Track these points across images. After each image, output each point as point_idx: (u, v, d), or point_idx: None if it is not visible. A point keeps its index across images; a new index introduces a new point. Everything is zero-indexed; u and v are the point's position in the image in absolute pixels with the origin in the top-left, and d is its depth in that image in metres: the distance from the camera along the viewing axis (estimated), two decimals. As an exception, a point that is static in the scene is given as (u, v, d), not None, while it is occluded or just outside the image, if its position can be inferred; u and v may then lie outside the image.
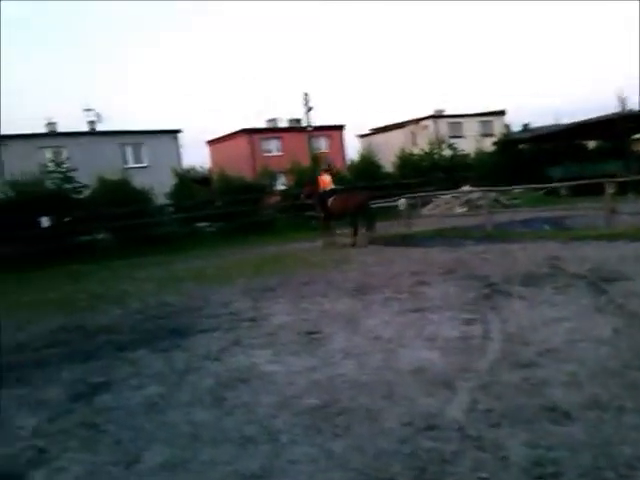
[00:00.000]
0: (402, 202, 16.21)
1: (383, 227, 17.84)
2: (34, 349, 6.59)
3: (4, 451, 3.71)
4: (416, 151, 27.31)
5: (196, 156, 46.67)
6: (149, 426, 3.84)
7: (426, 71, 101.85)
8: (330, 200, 15.71)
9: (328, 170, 17.68)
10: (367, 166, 24.00)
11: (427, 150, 27.11)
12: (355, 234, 14.94)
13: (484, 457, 2.96)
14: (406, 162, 25.95)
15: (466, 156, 27.06)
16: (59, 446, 3.67)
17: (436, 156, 26.43)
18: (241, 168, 29.75)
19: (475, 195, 21.56)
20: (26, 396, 4.84)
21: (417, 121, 45.61)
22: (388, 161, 26.84)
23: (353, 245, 14.61)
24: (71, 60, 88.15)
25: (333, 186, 16.33)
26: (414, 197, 18.87)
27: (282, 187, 24.96)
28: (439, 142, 26.89)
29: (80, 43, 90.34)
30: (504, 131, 37.27)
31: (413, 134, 44.21)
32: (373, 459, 3.02)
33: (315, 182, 16.46)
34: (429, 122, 45.58)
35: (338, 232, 15.91)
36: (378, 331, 5.77)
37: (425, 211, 21.64)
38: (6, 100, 73.49)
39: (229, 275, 11.10)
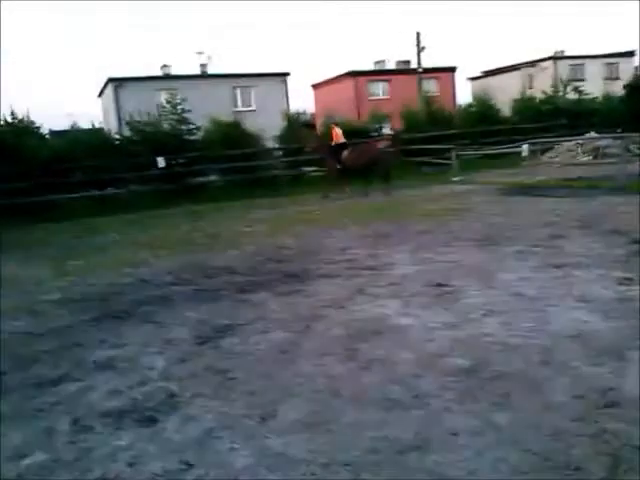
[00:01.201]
0: (525, 148, 15.01)
1: (502, 174, 16.80)
2: (157, 285, 6.64)
3: (136, 392, 3.62)
4: (537, 94, 25.22)
5: (301, 100, 46.34)
6: (281, 376, 3.61)
7: (542, 8, 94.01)
8: (345, 153, 15.54)
9: (338, 124, 17.34)
10: (484, 110, 22.49)
11: (550, 93, 24.98)
12: (367, 188, 15.07)
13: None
14: (526, 106, 24.07)
15: (593, 100, 24.67)
16: (189, 391, 3.53)
17: (560, 100, 24.29)
18: (346, 112, 29.09)
19: (603, 142, 19.69)
20: (153, 334, 4.81)
21: (535, 63, 42.32)
22: (502, 105, 25.07)
23: (366, 196, 14.62)
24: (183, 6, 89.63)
25: (344, 140, 16.10)
26: (535, 143, 17.47)
27: (390, 131, 24.08)
28: (565, 84, 24.60)
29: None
30: (633, 74, 33.68)
31: (530, 77, 41.16)
32: (552, 439, 2.57)
33: (321, 137, 16.54)
34: (548, 64, 42.14)
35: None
36: (518, 287, 5.21)
37: (545, 158, 20.09)
38: (123, 44, 76.48)
39: (341, 220, 10.79)
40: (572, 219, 8.72)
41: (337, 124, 17.18)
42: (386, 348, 3.93)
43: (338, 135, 16.16)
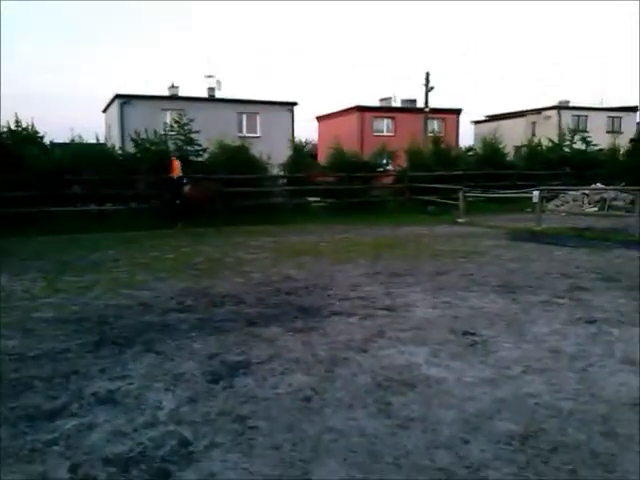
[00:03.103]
0: (536, 194, 14.79)
1: (508, 219, 16.60)
2: (161, 311, 6.23)
3: (145, 434, 3.20)
4: (544, 142, 25.25)
5: (303, 130, 46.37)
6: (310, 430, 3.20)
7: (548, 59, 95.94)
8: (187, 188, 15.13)
9: (179, 157, 16.48)
10: (491, 153, 22.40)
11: (556, 141, 25.01)
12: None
13: None
14: (533, 152, 24.03)
15: (599, 151, 24.70)
16: (205, 440, 3.12)
17: (567, 149, 24.30)
18: (349, 146, 29.02)
19: (610, 194, 19.62)
20: (159, 367, 4.40)
21: (539, 111, 42.75)
22: (505, 150, 25.08)
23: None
24: (195, 32, 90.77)
25: (181, 174, 15.45)
26: (542, 190, 17.33)
27: (392, 168, 23.96)
28: (572, 133, 24.66)
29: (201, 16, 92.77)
30: (638, 129, 34.04)
31: (534, 124, 41.51)
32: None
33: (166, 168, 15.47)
34: (552, 113, 42.58)
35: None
36: (553, 342, 4.86)
37: (550, 206, 19.95)
38: (132, 64, 77.02)
39: (348, 254, 10.44)
40: (591, 271, 8.42)
41: (178, 157, 16.30)
42: (423, 404, 3.55)
43: (177, 168, 15.42)
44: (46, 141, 17.76)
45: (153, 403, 3.68)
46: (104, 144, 19.12)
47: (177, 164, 15.48)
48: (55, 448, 3.08)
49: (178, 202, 15.07)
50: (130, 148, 18.77)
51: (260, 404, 3.61)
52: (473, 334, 5.14)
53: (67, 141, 18.75)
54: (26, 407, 3.63)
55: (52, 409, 3.61)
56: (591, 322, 5.50)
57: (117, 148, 20.36)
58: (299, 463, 2.82)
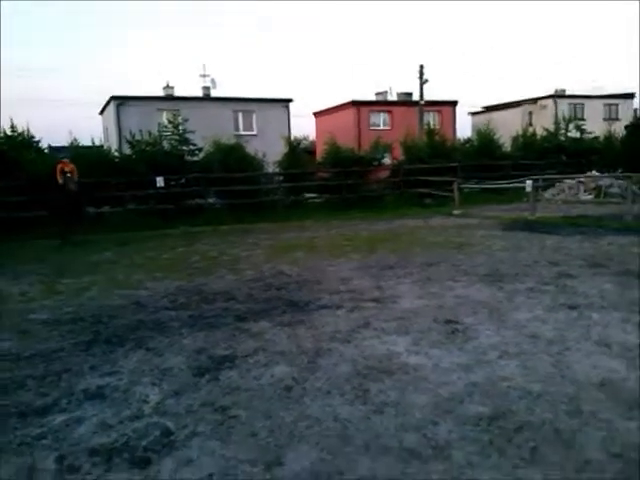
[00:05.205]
0: (529, 184, 14.88)
1: (504, 209, 16.70)
2: (153, 309, 6.36)
3: (130, 426, 3.34)
4: (538, 131, 25.29)
5: (301, 127, 46.52)
6: (287, 417, 3.34)
7: (544, 48, 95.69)
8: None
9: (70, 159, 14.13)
10: (486, 144, 22.46)
11: (552, 130, 25.03)
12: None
13: None
14: (528, 142, 24.08)
15: (595, 139, 24.72)
16: (186, 430, 3.25)
17: (562, 137, 24.33)
18: (346, 141, 29.11)
19: (605, 182, 19.68)
20: (148, 362, 4.53)
21: (535, 100, 42.72)
22: (503, 140, 25.12)
23: None
24: (190, 31, 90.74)
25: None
26: (536, 179, 17.41)
27: (390, 162, 24.04)
28: (567, 121, 24.69)
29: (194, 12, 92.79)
30: (634, 115, 33.99)
31: (530, 114, 41.52)
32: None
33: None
34: (548, 102, 42.55)
35: None
36: (533, 328, 4.98)
37: (547, 195, 20.03)
38: (128, 63, 77.07)
39: (342, 249, 10.57)
40: (580, 258, 8.52)
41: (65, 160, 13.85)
42: (398, 390, 3.67)
43: (58, 173, 13.24)
44: (44, 145, 17.94)
45: (140, 397, 3.81)
46: (101, 146, 19.26)
47: (59, 168, 13.30)
48: (43, 441, 3.22)
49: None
50: (127, 150, 18.92)
51: (242, 395, 3.74)
52: (455, 322, 5.26)
53: (65, 144, 18.90)
54: (18, 404, 3.77)
55: (43, 405, 3.74)
56: (572, 308, 5.61)
57: (114, 150, 20.51)
58: (274, 448, 2.95)
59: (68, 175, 13.34)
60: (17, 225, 14.63)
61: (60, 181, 13.24)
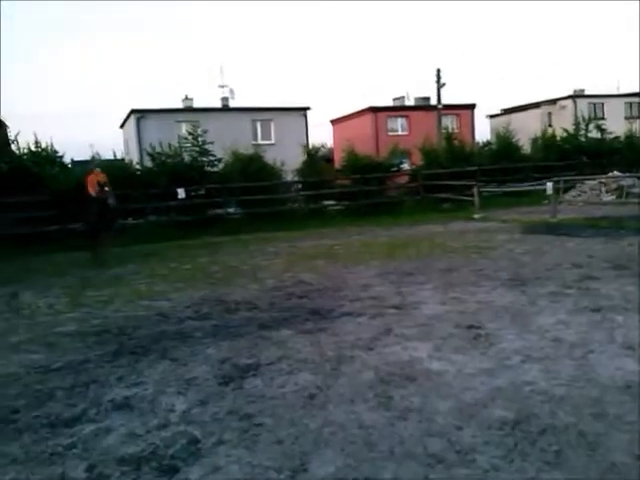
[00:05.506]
0: (549, 186, 14.77)
1: (525, 212, 16.58)
2: (177, 320, 6.45)
3: (157, 435, 3.40)
4: (558, 132, 25.08)
5: (319, 135, 46.72)
6: (311, 424, 3.37)
7: (563, 49, 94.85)
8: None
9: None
10: (505, 147, 22.36)
11: (571, 131, 24.80)
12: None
13: None
14: (548, 144, 23.89)
15: (616, 139, 24.43)
16: (213, 438, 3.30)
17: (582, 138, 24.09)
18: (364, 147, 29.16)
19: (627, 182, 19.43)
20: (173, 372, 4.60)
21: (554, 101, 42.36)
22: (522, 143, 24.97)
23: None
24: (207, 42, 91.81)
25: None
26: (557, 181, 17.26)
27: (409, 167, 24.03)
28: (587, 122, 24.44)
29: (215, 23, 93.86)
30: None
31: (549, 115, 41.18)
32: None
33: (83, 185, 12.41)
34: (568, 102, 42.16)
35: None
36: (556, 332, 4.95)
37: (568, 197, 19.84)
38: (146, 77, 78.18)
39: (362, 256, 10.59)
40: (603, 260, 8.44)
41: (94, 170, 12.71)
42: (421, 396, 3.68)
43: (92, 185, 12.19)
44: (67, 159, 18.30)
45: (166, 406, 3.88)
46: (122, 159, 19.60)
47: (91, 179, 12.27)
48: (74, 451, 3.29)
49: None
50: (148, 162, 19.22)
51: (267, 402, 3.79)
52: (478, 327, 5.25)
53: (87, 158, 19.27)
54: (48, 415, 3.86)
55: (72, 416, 3.82)
56: (596, 310, 5.57)
57: (135, 163, 20.82)
58: (299, 455, 2.99)
59: (105, 188, 12.20)
60: (42, 239, 14.92)
61: (93, 193, 12.11)
